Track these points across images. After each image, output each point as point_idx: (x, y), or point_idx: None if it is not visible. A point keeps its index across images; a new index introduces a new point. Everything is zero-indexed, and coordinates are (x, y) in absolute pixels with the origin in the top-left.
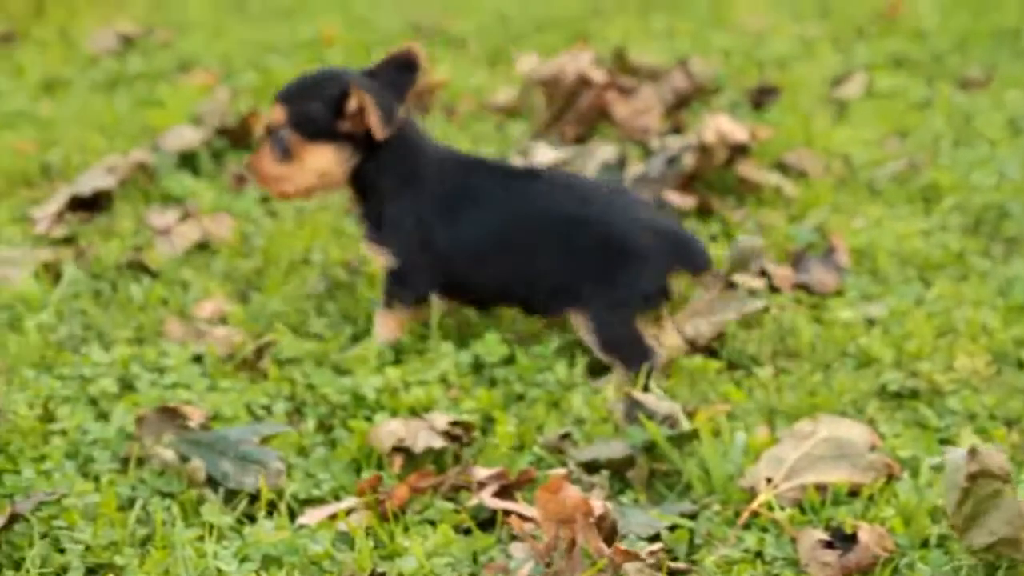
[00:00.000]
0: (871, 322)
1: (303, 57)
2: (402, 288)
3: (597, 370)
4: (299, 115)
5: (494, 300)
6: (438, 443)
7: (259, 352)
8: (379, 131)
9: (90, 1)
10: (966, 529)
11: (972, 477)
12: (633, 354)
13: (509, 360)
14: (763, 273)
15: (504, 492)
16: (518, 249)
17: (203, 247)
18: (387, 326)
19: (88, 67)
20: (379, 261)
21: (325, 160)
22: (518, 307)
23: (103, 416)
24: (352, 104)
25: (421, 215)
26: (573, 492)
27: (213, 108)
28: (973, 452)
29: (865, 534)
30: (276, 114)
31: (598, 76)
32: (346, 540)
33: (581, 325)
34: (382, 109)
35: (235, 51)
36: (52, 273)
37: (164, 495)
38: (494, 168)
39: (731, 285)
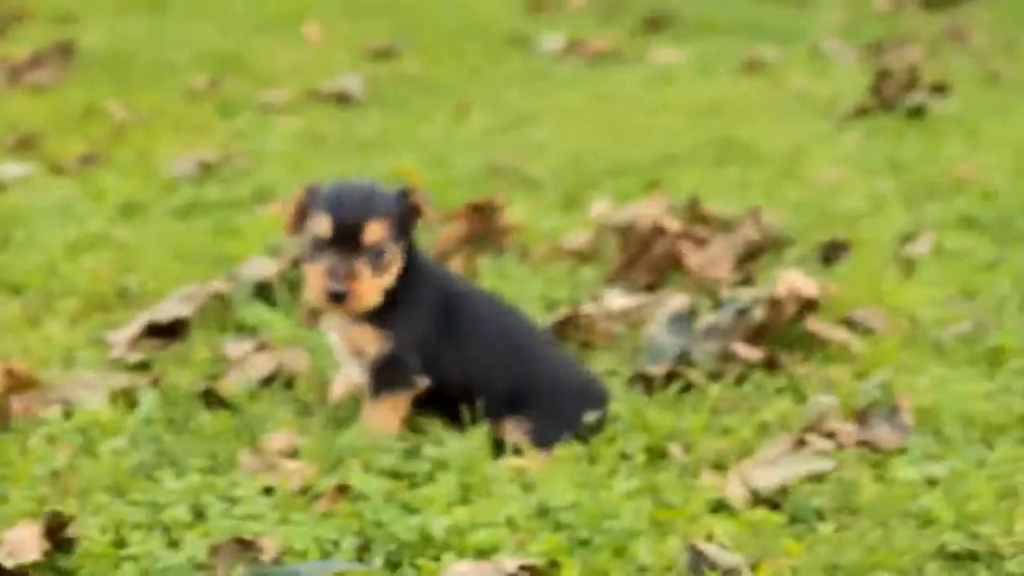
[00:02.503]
0: (932, 482)
1: None
2: (396, 373)
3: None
4: (396, 227)
5: (449, 399)
6: None
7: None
8: (433, 217)
9: (170, 127)
10: None
11: None
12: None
13: (575, 505)
14: (830, 433)
15: None
16: (489, 363)
17: (276, 379)
18: (379, 416)
19: (166, 192)
20: (368, 345)
21: (400, 263)
22: (460, 408)
23: (174, 544)
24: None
25: (428, 316)
26: None
27: (289, 240)
28: None
29: None
30: (375, 231)
31: (672, 225)
32: None
33: (517, 429)
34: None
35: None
36: (127, 398)
37: None
38: (477, 295)
39: (801, 442)
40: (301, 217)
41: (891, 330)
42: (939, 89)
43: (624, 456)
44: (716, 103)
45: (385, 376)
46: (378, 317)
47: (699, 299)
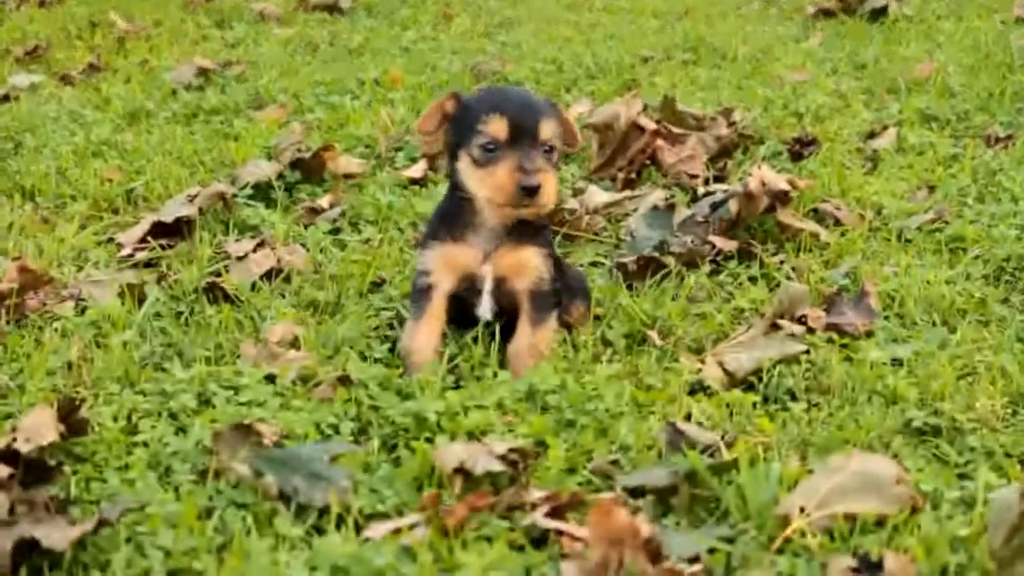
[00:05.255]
0: (898, 363)
1: (369, 96)
2: (553, 295)
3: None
4: (559, 129)
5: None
6: (496, 467)
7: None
8: (578, 141)
9: (170, 37)
10: (1011, 564)
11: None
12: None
13: (561, 388)
14: (801, 318)
15: (556, 513)
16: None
17: (277, 274)
18: (548, 339)
19: (168, 100)
20: (531, 267)
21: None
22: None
23: (182, 430)
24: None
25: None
26: (623, 515)
27: (287, 142)
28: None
29: (891, 562)
30: (549, 128)
31: (648, 123)
32: (408, 554)
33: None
34: None
35: (305, 89)
36: (135, 294)
37: (239, 506)
38: None
39: (774, 326)
40: (442, 121)
41: (857, 221)
42: None
43: (606, 342)
44: (687, 7)
45: (547, 301)
46: (534, 238)
47: (676, 194)
